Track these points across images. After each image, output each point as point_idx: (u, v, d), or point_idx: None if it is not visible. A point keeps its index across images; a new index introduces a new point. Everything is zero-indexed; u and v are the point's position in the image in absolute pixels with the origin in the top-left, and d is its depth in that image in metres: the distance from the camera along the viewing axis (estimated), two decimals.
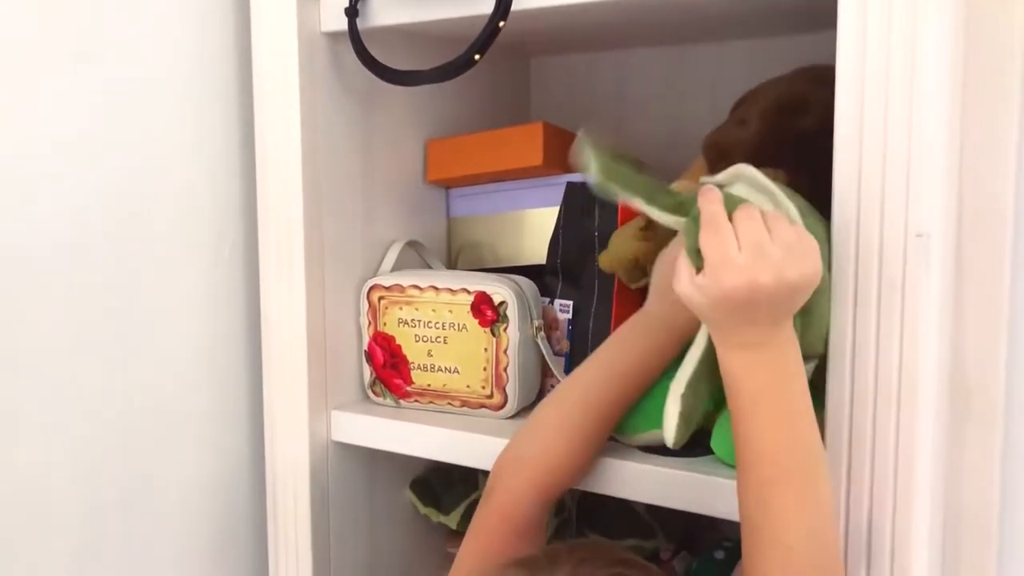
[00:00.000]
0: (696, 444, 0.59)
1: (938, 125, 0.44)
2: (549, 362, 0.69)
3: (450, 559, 0.84)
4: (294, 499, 0.74)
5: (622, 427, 0.60)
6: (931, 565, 0.61)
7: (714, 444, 0.57)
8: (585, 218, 0.71)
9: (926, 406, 0.48)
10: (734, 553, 0.76)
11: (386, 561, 0.81)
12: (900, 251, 0.46)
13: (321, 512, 0.74)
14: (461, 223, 0.84)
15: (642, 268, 0.65)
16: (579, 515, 0.78)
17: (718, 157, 0.64)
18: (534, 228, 0.78)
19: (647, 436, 0.59)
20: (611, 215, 0.70)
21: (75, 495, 0.68)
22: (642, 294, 0.72)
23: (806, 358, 0.49)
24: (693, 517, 0.85)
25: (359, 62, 0.67)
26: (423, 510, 0.81)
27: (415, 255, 0.80)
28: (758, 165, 0.61)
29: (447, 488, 0.81)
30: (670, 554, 0.82)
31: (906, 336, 0.47)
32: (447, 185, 0.83)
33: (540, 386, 0.72)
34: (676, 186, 0.65)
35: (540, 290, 0.73)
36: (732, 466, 0.56)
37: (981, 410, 0.69)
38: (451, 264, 0.84)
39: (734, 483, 0.54)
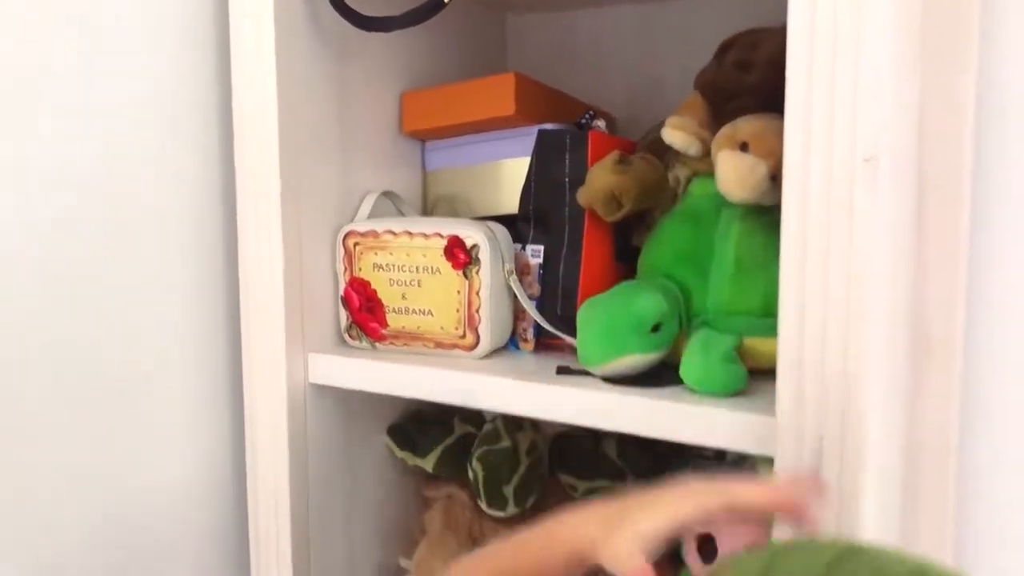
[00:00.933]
0: (663, 374, 0.62)
1: (885, 49, 0.46)
2: (523, 303, 0.71)
3: (426, 502, 0.87)
4: (273, 441, 0.76)
5: (590, 357, 0.62)
6: (889, 493, 0.64)
7: (683, 373, 0.59)
8: (556, 165, 0.72)
9: (877, 329, 0.50)
10: None
11: (364, 503, 0.83)
12: (849, 177, 0.48)
13: (299, 453, 0.76)
14: (437, 176, 0.85)
15: (617, 201, 0.67)
16: (551, 456, 0.80)
17: (722, 99, 0.65)
18: (509, 179, 0.80)
19: (616, 364, 0.61)
20: (581, 161, 0.71)
21: (56, 427, 0.69)
22: (614, 230, 0.74)
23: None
24: (662, 462, 0.88)
25: (336, 14, 0.68)
26: (399, 454, 0.83)
27: (391, 207, 0.82)
28: (764, 110, 0.62)
29: (422, 433, 0.83)
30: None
31: (856, 261, 0.49)
32: (423, 137, 0.85)
33: (512, 329, 0.74)
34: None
35: (513, 237, 0.74)
36: (700, 392, 0.58)
37: (942, 350, 0.72)
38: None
39: (703, 409, 0.56)
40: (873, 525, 0.53)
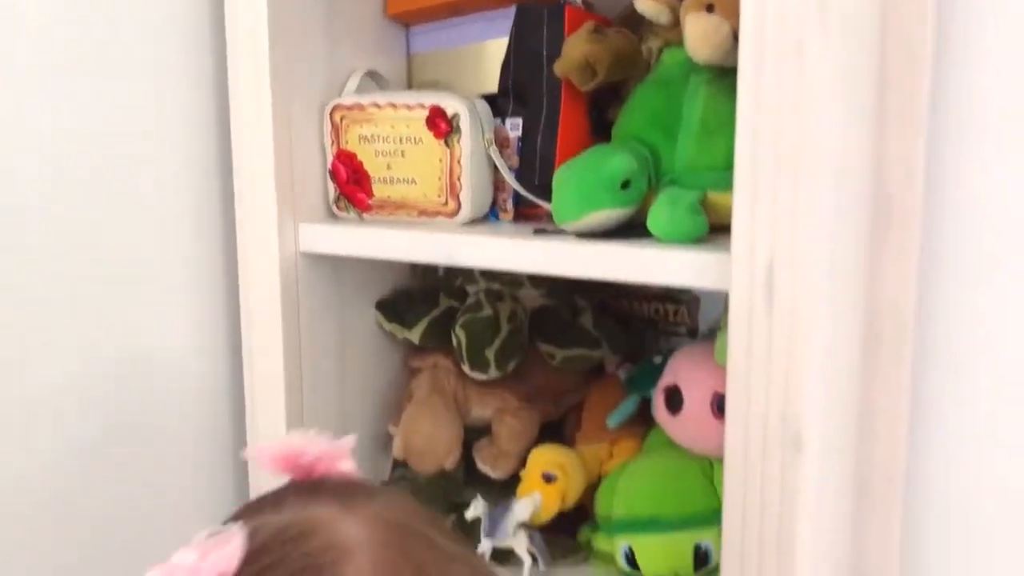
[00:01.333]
0: (632, 230, 0.66)
1: None
2: (502, 171, 0.74)
3: (413, 372, 0.91)
4: (267, 311, 0.80)
5: (564, 214, 0.65)
6: (843, 338, 0.69)
7: (651, 224, 0.62)
8: (533, 38, 0.75)
9: (824, 168, 0.54)
10: (669, 357, 0.83)
11: (354, 374, 0.88)
12: (802, 21, 0.51)
13: (292, 323, 0.80)
14: (421, 59, 0.88)
15: (592, 69, 0.70)
16: (531, 328, 0.85)
17: None
18: (491, 60, 0.82)
19: (589, 219, 0.65)
20: (558, 34, 0.74)
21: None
22: (590, 103, 0.77)
23: None
24: (636, 334, 0.93)
25: None
26: (388, 327, 0.88)
27: (376, 88, 0.85)
28: None
29: (409, 308, 0.88)
30: (615, 365, 0.89)
31: (807, 107, 0.53)
32: (407, 20, 0.87)
33: (493, 200, 0.78)
34: None
35: (493, 111, 0.77)
36: (666, 241, 0.62)
37: (901, 214, 0.76)
38: None
39: (666, 253, 0.60)
40: (821, 369, 0.58)
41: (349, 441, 0.49)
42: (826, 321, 0.58)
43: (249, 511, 0.44)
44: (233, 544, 0.38)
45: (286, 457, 0.47)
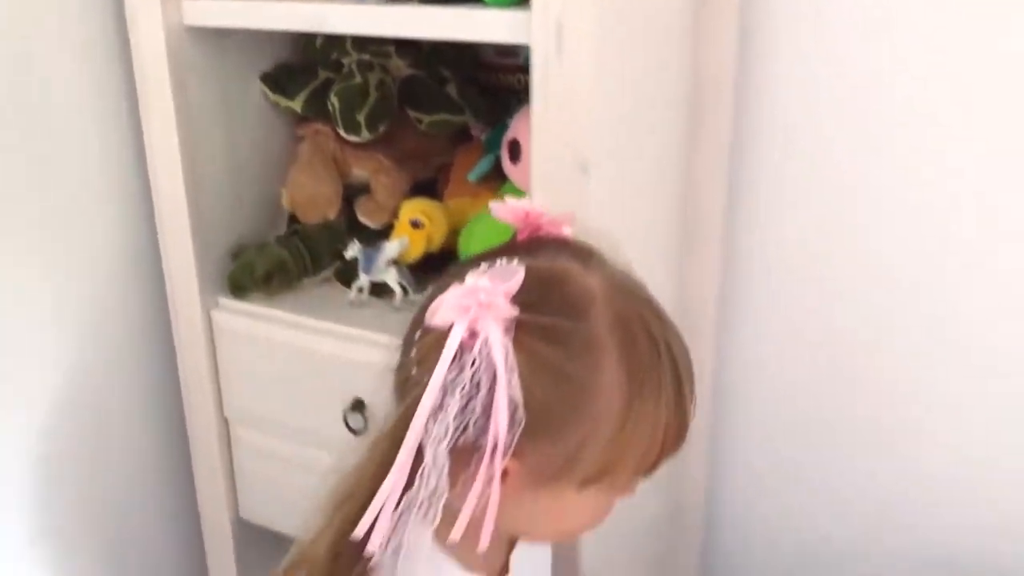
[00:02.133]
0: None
1: None
2: None
3: (298, 140, 1.02)
4: (158, 81, 0.89)
5: None
6: (648, 97, 0.81)
7: None
8: None
9: None
10: None
11: (244, 143, 0.98)
12: None
13: (181, 93, 0.89)
14: None
15: None
16: (401, 96, 0.96)
17: None
18: None
19: None
20: None
21: None
22: None
23: None
24: (501, 102, 1.04)
25: None
26: (272, 97, 0.98)
27: None
28: None
29: (292, 79, 0.97)
30: (479, 131, 1.02)
31: None
32: None
33: None
34: None
35: None
36: (491, 5, 0.72)
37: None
38: None
39: (488, 13, 0.70)
40: (604, 109, 0.70)
41: (571, 215, 0.58)
42: (611, 68, 0.70)
43: (507, 252, 0.53)
44: (518, 276, 0.48)
45: (528, 213, 0.56)
